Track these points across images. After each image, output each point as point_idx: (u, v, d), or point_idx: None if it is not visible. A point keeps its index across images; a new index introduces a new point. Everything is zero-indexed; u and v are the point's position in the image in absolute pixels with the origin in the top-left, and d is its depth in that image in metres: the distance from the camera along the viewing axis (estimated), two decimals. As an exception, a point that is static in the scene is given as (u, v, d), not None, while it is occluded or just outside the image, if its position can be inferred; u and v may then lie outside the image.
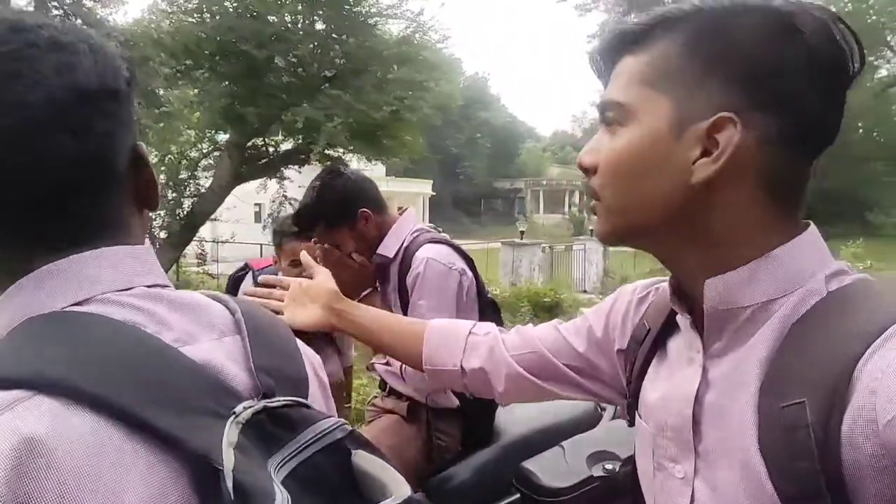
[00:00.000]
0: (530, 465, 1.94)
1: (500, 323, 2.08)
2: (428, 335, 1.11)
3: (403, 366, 1.96)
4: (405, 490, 0.54)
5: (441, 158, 34.06)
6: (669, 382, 0.77)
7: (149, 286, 0.58)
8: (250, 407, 0.52)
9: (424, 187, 31.01)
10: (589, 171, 0.74)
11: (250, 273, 2.85)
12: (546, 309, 9.30)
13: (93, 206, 0.56)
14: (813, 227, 0.70)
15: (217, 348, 0.58)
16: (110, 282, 0.56)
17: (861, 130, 25.06)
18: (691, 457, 0.71)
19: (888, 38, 24.46)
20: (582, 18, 63.26)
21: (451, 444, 1.98)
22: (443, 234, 2.04)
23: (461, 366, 1.06)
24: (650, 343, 0.84)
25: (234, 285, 2.95)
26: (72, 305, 0.53)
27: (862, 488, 0.55)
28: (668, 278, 0.80)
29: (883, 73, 25.12)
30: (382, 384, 2.11)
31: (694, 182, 0.67)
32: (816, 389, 0.58)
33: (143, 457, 0.47)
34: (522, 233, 14.45)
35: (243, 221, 11.69)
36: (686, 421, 0.72)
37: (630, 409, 0.87)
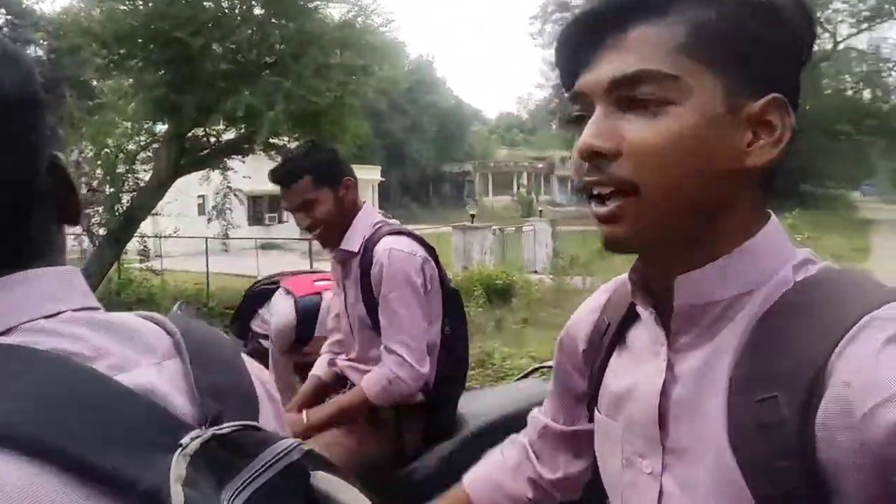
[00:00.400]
0: (494, 454, 1.94)
1: (462, 313, 2.08)
2: (476, 496, 1.00)
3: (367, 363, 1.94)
4: None
5: (387, 143, 33.86)
6: (634, 377, 0.75)
7: (76, 310, 0.53)
8: (198, 437, 0.47)
9: (373, 174, 30.70)
10: (606, 156, 0.63)
11: (285, 294, 2.82)
12: (498, 292, 9.36)
13: (13, 227, 0.51)
14: (774, 218, 0.68)
15: (157, 374, 0.53)
16: (35, 308, 0.50)
17: (795, 105, 25.96)
18: (659, 452, 0.69)
19: (818, 15, 25.32)
20: (523, 0, 63.60)
21: (416, 438, 1.96)
22: (394, 222, 2.03)
23: (526, 497, 0.99)
24: (610, 337, 0.81)
25: (255, 300, 2.97)
26: None
27: (839, 484, 0.54)
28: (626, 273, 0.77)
29: (814, 48, 26.02)
30: (344, 380, 2.08)
31: (749, 166, 0.63)
32: (789, 384, 0.56)
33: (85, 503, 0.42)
34: (473, 216, 14.47)
35: (186, 215, 11.39)
36: (651, 416, 0.69)
37: (589, 405, 0.84)
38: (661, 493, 0.69)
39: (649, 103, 0.61)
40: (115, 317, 0.56)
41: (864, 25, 26.56)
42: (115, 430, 0.45)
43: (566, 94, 0.69)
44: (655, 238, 0.65)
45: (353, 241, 1.94)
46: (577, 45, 0.66)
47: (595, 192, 0.64)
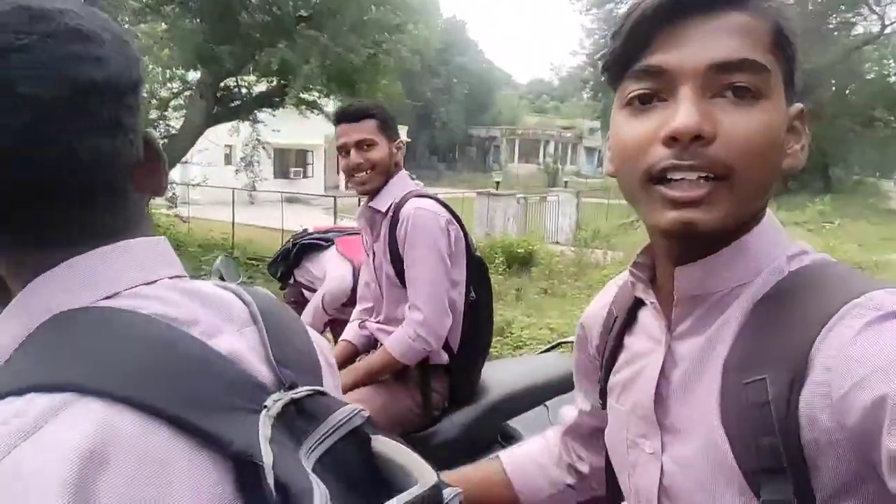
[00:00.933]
0: (515, 423, 1.99)
1: (487, 281, 2.11)
2: (515, 473, 1.01)
3: (394, 325, 1.98)
4: (430, 477, 0.54)
5: (416, 103, 33.62)
6: (639, 363, 0.79)
7: (170, 277, 0.57)
8: (279, 400, 0.52)
9: (401, 133, 30.63)
10: (703, 140, 0.61)
11: (342, 258, 2.88)
12: (519, 260, 9.36)
13: (113, 200, 0.55)
14: (770, 212, 0.71)
15: (239, 340, 0.57)
16: (136, 275, 0.54)
17: (834, 88, 25.24)
18: (658, 433, 0.73)
19: (866, -4, 24.41)
20: (562, -37, 61.79)
21: (439, 400, 2.01)
22: (418, 183, 2.12)
23: (565, 483, 1.00)
24: (618, 328, 0.84)
25: (303, 251, 3.01)
26: (101, 300, 0.52)
27: (819, 462, 0.57)
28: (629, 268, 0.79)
29: (859, 30, 25.20)
30: (375, 343, 2.13)
31: (784, 168, 0.67)
32: (777, 367, 0.60)
33: (189, 458, 0.46)
34: (498, 183, 14.39)
35: (214, 164, 11.47)
36: (650, 398, 0.74)
37: (602, 393, 0.87)
38: (662, 471, 0.73)
39: (744, 92, 0.62)
40: (200, 285, 0.60)
41: (915, 9, 25.57)
42: (209, 393, 0.49)
43: (638, 69, 0.65)
44: (731, 225, 0.65)
45: (383, 200, 2.01)
46: (660, 22, 0.63)
47: (679, 176, 0.62)
